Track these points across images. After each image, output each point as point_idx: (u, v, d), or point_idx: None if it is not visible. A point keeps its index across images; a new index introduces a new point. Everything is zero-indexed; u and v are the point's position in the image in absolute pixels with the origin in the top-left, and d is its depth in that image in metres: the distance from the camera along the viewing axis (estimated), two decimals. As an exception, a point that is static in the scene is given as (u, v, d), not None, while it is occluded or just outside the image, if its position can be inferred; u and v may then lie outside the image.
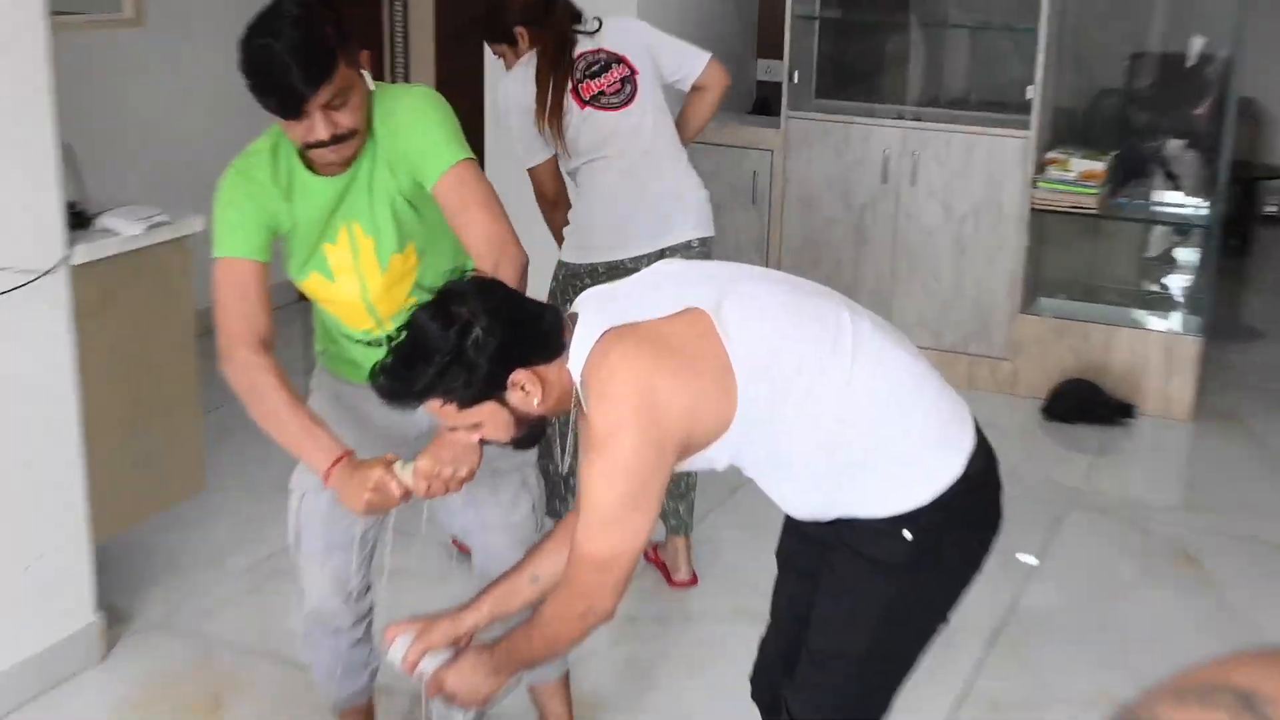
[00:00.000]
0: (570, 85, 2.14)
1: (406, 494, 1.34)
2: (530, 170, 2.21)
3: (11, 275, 1.78)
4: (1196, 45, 3.32)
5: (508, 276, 1.38)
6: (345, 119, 1.39)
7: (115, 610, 2.19)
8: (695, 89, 2.23)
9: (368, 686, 1.74)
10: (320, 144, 1.40)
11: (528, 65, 2.15)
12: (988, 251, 3.06)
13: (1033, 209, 3.00)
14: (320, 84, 1.33)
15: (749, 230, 3.25)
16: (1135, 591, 2.21)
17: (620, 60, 2.20)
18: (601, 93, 2.17)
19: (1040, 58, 2.91)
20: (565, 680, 1.79)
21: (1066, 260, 3.37)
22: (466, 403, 1.17)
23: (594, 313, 1.17)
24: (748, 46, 3.67)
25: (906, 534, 1.18)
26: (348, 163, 1.47)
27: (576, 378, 1.15)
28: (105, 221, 2.16)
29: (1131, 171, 3.18)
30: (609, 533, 1.17)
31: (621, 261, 2.18)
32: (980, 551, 1.23)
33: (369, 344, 1.55)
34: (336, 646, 1.67)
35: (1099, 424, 2.86)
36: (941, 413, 1.21)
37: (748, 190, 3.21)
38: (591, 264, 2.21)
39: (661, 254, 2.17)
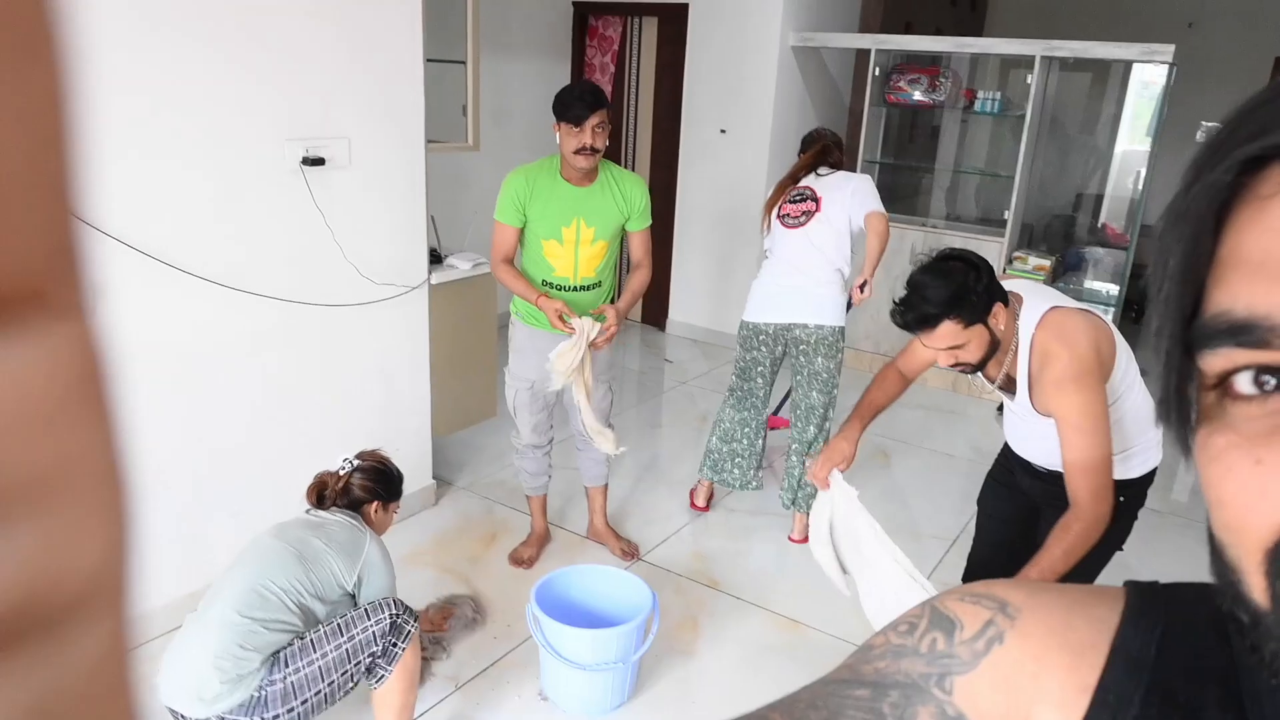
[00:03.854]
0: (781, 200, 3.29)
1: (568, 326, 2.65)
2: None
3: (398, 288, 3.19)
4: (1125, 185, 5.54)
5: (642, 276, 2.83)
6: (600, 141, 2.61)
7: (442, 478, 3.62)
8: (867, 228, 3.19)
9: (546, 483, 3.19)
10: (584, 149, 2.58)
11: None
12: (974, 310, 5.27)
13: None
14: (597, 110, 2.58)
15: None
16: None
17: (816, 199, 3.21)
18: (788, 215, 3.26)
19: (1015, 192, 4.87)
20: (606, 488, 3.26)
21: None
22: (970, 321, 1.76)
23: (1033, 293, 1.87)
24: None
25: (1120, 497, 1.87)
26: (589, 178, 2.68)
27: (1029, 330, 1.80)
28: (451, 260, 3.61)
29: (1069, 266, 5.38)
30: (1092, 442, 1.73)
31: (755, 324, 3.27)
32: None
33: (560, 288, 2.78)
34: (536, 459, 3.10)
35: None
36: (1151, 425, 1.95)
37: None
38: (743, 320, 3.33)
39: (786, 328, 3.23)
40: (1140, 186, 4.97)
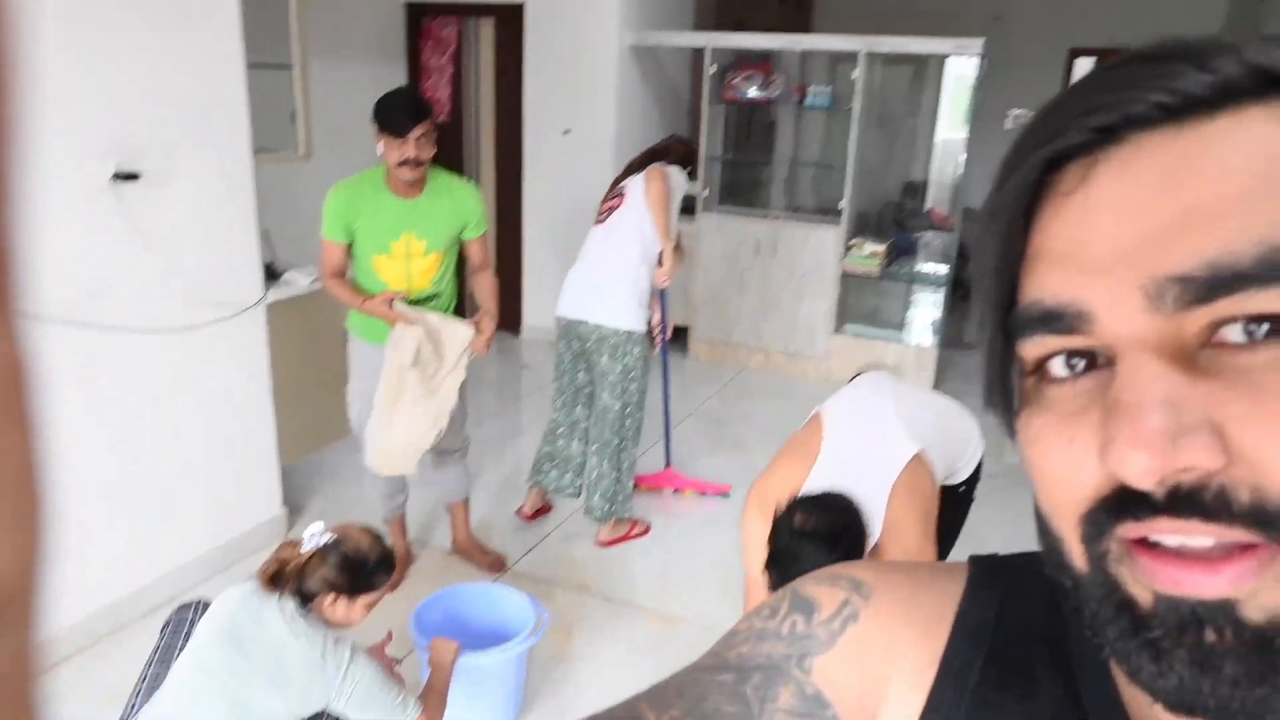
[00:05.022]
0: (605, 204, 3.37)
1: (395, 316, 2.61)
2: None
3: (232, 308, 2.98)
4: (944, 174, 5.90)
5: (489, 279, 2.83)
6: (425, 151, 2.51)
7: (294, 505, 3.46)
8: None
9: (402, 504, 3.05)
10: (408, 162, 2.49)
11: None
12: (815, 297, 5.30)
13: (842, 272, 5.21)
14: (421, 121, 2.47)
15: (680, 278, 5.55)
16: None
17: (622, 195, 3.27)
18: (600, 212, 3.35)
19: (849, 182, 5.08)
20: (467, 501, 3.15)
21: (861, 303, 5.53)
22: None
23: (857, 458, 1.88)
24: (675, 167, 6.06)
25: (961, 488, 2.23)
26: (417, 189, 2.59)
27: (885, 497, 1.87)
28: (289, 275, 3.49)
29: (901, 251, 5.67)
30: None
31: (556, 316, 3.34)
32: None
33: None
34: (389, 479, 2.94)
35: (880, 397, 5.20)
36: None
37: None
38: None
39: (573, 323, 3.23)
40: (960, 172, 5.29)
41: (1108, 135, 0.33)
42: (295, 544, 1.92)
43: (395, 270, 2.71)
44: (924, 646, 0.46)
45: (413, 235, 2.67)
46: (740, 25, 6.58)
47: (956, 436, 2.12)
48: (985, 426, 4.82)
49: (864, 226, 5.63)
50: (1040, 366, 0.36)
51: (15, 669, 0.15)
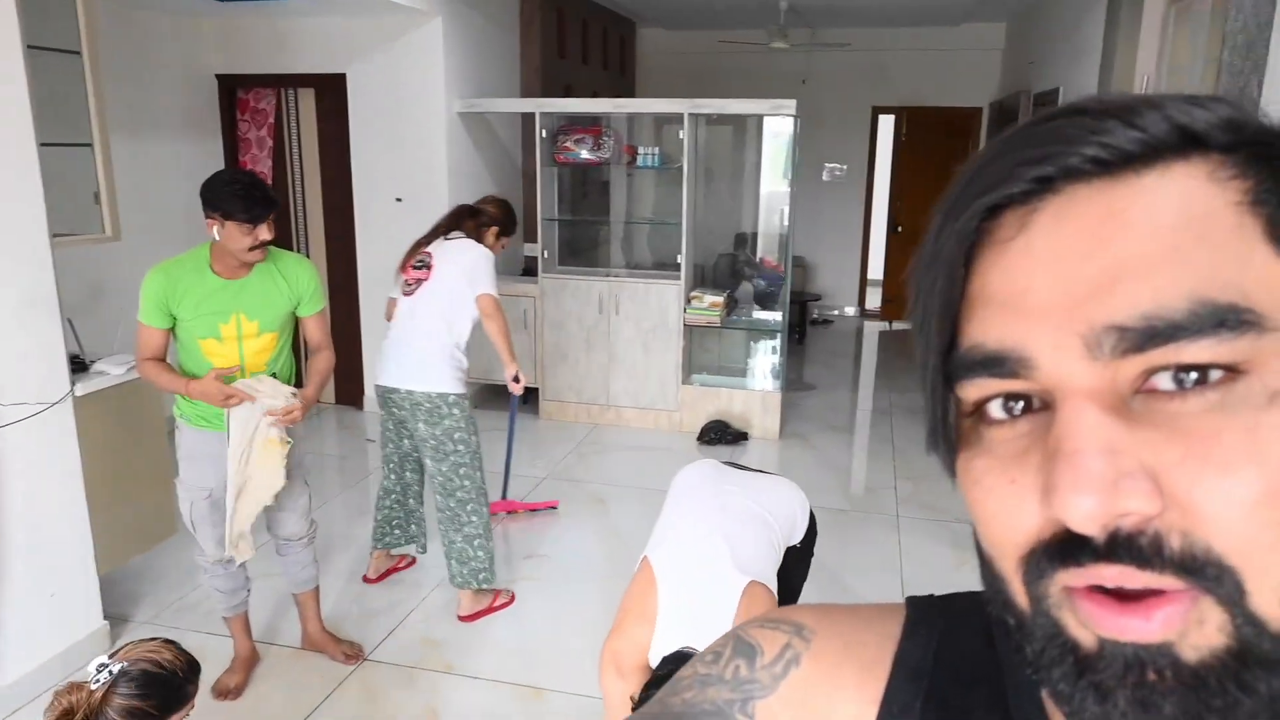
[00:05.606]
0: (408, 264, 3.29)
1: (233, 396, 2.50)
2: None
3: (33, 406, 2.75)
4: (771, 226, 6.19)
5: (323, 360, 2.71)
6: (272, 232, 2.52)
7: (117, 616, 3.19)
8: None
9: (244, 600, 2.86)
10: (257, 245, 2.48)
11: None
12: (662, 350, 5.39)
13: (685, 324, 5.31)
14: (273, 209, 2.50)
15: (523, 345, 5.51)
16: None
17: (429, 267, 3.24)
18: (406, 280, 3.26)
19: (684, 238, 5.23)
20: (317, 590, 3.00)
21: (705, 353, 5.69)
22: None
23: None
24: (519, 236, 6.04)
25: (799, 544, 2.30)
26: (244, 269, 2.53)
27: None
28: (99, 366, 3.25)
29: (739, 300, 5.86)
30: None
31: (376, 385, 3.29)
32: None
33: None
34: (229, 575, 2.78)
35: (729, 444, 5.21)
36: None
37: (522, 320, 5.49)
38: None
39: (388, 391, 3.21)
40: (786, 222, 5.56)
41: (1045, 185, 0.34)
42: (80, 686, 1.63)
43: (227, 354, 2.58)
44: (865, 688, 0.46)
45: (243, 316, 2.56)
46: (568, 90, 6.72)
47: (783, 519, 2.19)
48: (824, 462, 4.95)
49: (702, 279, 5.79)
50: (979, 408, 0.37)
51: None
